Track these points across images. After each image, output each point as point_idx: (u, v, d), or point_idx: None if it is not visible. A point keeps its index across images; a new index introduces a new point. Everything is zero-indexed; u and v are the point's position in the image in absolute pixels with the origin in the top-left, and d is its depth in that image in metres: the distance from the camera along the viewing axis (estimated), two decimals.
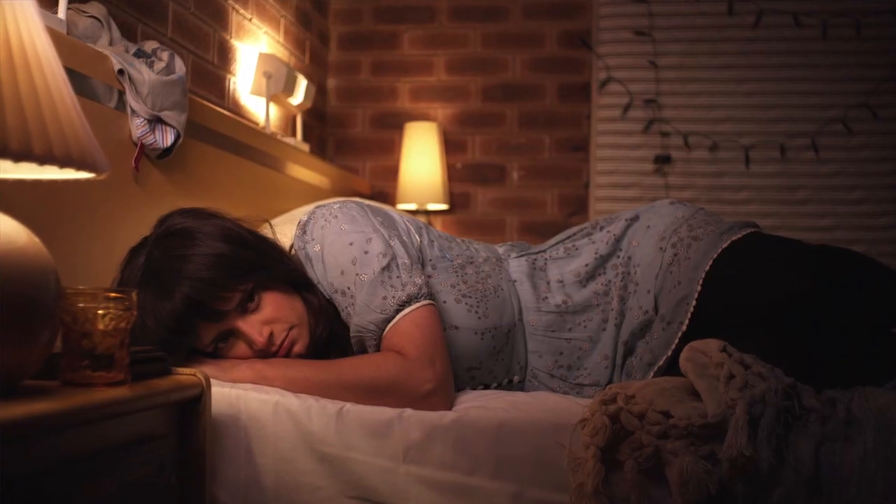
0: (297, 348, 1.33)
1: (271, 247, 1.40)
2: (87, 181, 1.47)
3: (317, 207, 1.42)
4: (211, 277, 1.26)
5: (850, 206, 3.01)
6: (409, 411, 1.20)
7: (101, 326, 0.97)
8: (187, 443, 1.12)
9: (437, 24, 3.31)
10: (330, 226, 1.37)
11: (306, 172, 2.64)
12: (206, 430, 1.12)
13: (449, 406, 1.26)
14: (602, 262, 1.50)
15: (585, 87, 3.21)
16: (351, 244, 1.34)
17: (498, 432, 1.17)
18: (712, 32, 3.07)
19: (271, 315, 1.32)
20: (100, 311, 0.98)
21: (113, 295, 0.99)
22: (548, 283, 1.49)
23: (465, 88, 3.30)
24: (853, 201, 3.02)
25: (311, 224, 1.40)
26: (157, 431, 1.07)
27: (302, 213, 1.62)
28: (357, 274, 1.32)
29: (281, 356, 1.32)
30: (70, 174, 0.91)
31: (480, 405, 1.25)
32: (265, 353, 1.31)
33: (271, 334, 1.31)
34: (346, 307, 1.35)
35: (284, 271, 1.36)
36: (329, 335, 1.37)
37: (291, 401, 1.21)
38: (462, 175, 3.30)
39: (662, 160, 3.07)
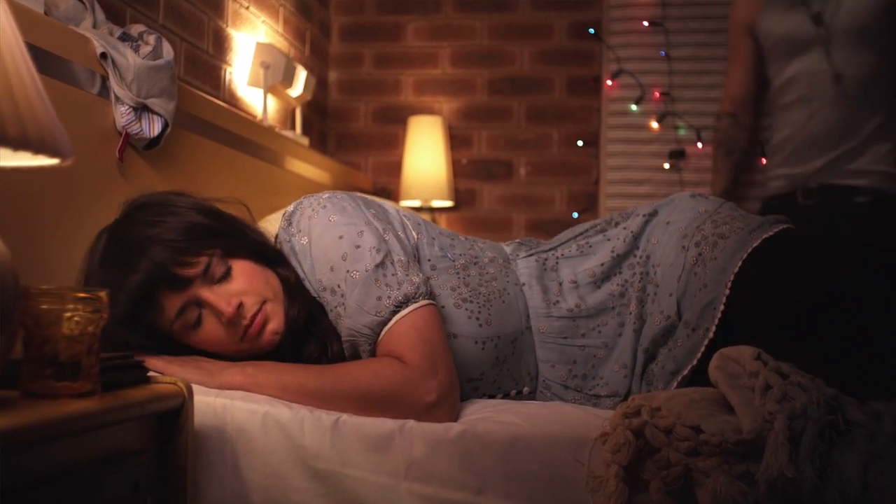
0: (273, 326, 1.23)
1: (245, 223, 1.32)
2: (66, 172, 1.38)
3: (304, 197, 1.32)
4: (174, 240, 1.18)
5: None
6: (411, 423, 1.10)
7: (66, 330, 0.87)
8: (167, 458, 1.03)
9: (443, 15, 3.21)
10: (318, 217, 1.27)
11: (306, 167, 2.54)
12: (188, 445, 1.03)
13: (455, 417, 1.16)
14: (618, 261, 1.39)
15: (596, 79, 3.10)
16: (341, 237, 1.24)
17: (509, 447, 1.07)
18: (728, 23, 2.96)
19: (242, 286, 1.23)
20: (66, 314, 0.88)
21: (81, 295, 0.89)
22: (560, 284, 1.38)
23: (470, 81, 3.20)
24: None
25: (298, 214, 1.30)
26: (132, 446, 0.97)
27: None
28: (348, 271, 1.22)
29: (254, 333, 1.22)
30: (28, 159, 0.80)
31: (489, 417, 1.15)
32: (238, 328, 1.21)
33: (241, 305, 1.21)
34: (336, 307, 1.24)
35: (257, 242, 1.28)
36: (307, 322, 1.27)
37: (282, 411, 1.10)
38: (467, 171, 3.20)
39: (676, 155, 2.97)
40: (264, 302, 1.23)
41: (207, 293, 1.20)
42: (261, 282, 1.24)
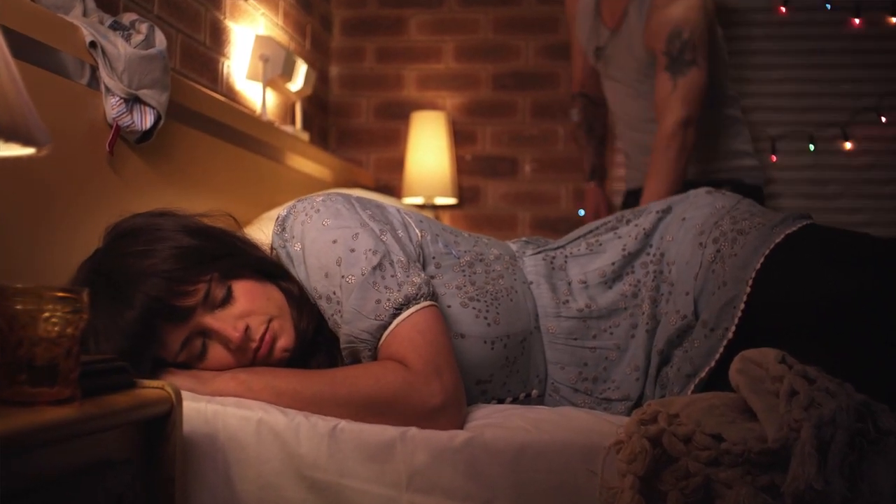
0: (283, 343, 1.17)
1: (237, 238, 1.25)
2: (53, 166, 1.32)
3: (297, 201, 1.25)
4: (168, 270, 1.11)
5: (886, 201, 2.85)
6: (413, 431, 1.04)
7: (42, 333, 0.81)
8: (154, 468, 0.96)
9: (446, 9, 3.15)
10: (311, 221, 1.20)
11: (306, 163, 2.48)
12: (177, 453, 0.97)
13: (460, 424, 1.09)
14: (630, 259, 1.33)
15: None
16: (335, 242, 1.18)
17: (517, 456, 1.01)
18: (739, 15, 2.90)
19: (245, 307, 1.16)
20: (43, 315, 0.82)
21: (59, 295, 0.83)
22: (569, 283, 1.32)
23: (475, 76, 3.14)
24: (888, 195, 2.85)
25: (291, 219, 1.23)
26: (117, 456, 0.91)
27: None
28: (343, 276, 1.15)
29: (264, 353, 1.16)
30: None
31: (496, 423, 1.08)
32: (247, 352, 1.15)
33: (248, 328, 1.15)
34: (333, 315, 1.18)
35: (254, 258, 1.21)
36: (315, 333, 1.21)
37: (277, 418, 1.04)
38: (471, 168, 3.14)
39: None
40: (270, 320, 1.17)
41: (211, 320, 1.14)
42: (263, 299, 1.18)
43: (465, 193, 3.13)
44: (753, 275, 1.16)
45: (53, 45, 1.34)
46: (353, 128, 3.19)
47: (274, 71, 2.37)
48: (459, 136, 3.12)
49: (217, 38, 2.21)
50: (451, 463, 1.01)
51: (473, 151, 3.14)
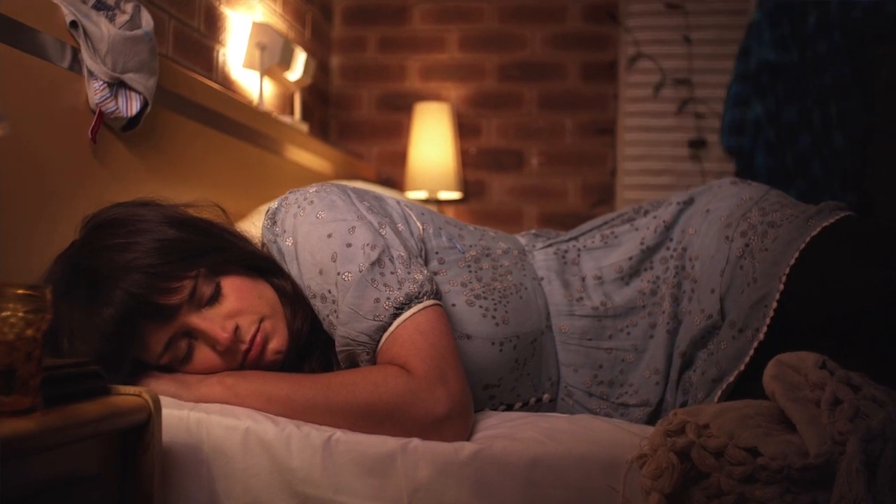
0: (275, 344, 1.09)
1: (226, 231, 1.16)
2: (31, 153, 1.23)
3: (290, 192, 1.16)
4: (151, 265, 1.02)
5: None
6: (415, 442, 0.95)
7: None
8: (130, 483, 0.88)
9: None
10: (304, 214, 1.11)
11: (305, 156, 2.39)
12: (155, 467, 0.89)
13: (467, 435, 1.01)
14: (648, 254, 1.24)
15: (612, 65, 2.95)
16: (330, 236, 1.09)
17: (530, 470, 0.93)
18: (751, 4, 2.81)
19: (235, 306, 1.07)
20: (2, 314, 0.73)
21: (19, 292, 0.74)
22: (582, 279, 1.23)
23: (479, 67, 3.05)
24: None
25: (283, 212, 1.14)
26: (88, 470, 0.83)
27: None
28: (339, 273, 1.07)
29: (255, 355, 1.07)
30: None
31: (506, 434, 0.99)
32: (236, 354, 1.07)
33: (237, 328, 1.06)
34: (328, 315, 1.09)
35: (245, 253, 1.13)
36: (309, 334, 1.12)
37: (266, 427, 0.96)
38: (476, 161, 3.05)
39: (697, 144, 2.81)
40: (262, 320, 1.08)
41: (197, 320, 1.05)
42: (254, 297, 1.09)
43: (470, 188, 3.05)
44: (787, 271, 1.07)
45: (31, 25, 1.25)
46: (354, 119, 3.11)
47: (271, 59, 2.28)
48: (464, 129, 3.04)
49: (212, 24, 2.12)
50: (457, 478, 0.93)
51: (478, 144, 3.05)
